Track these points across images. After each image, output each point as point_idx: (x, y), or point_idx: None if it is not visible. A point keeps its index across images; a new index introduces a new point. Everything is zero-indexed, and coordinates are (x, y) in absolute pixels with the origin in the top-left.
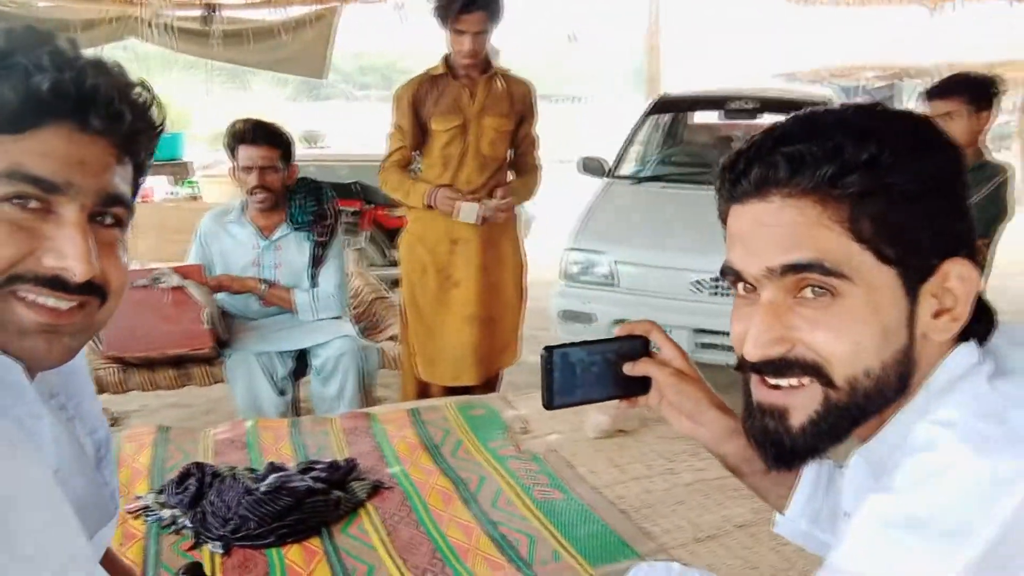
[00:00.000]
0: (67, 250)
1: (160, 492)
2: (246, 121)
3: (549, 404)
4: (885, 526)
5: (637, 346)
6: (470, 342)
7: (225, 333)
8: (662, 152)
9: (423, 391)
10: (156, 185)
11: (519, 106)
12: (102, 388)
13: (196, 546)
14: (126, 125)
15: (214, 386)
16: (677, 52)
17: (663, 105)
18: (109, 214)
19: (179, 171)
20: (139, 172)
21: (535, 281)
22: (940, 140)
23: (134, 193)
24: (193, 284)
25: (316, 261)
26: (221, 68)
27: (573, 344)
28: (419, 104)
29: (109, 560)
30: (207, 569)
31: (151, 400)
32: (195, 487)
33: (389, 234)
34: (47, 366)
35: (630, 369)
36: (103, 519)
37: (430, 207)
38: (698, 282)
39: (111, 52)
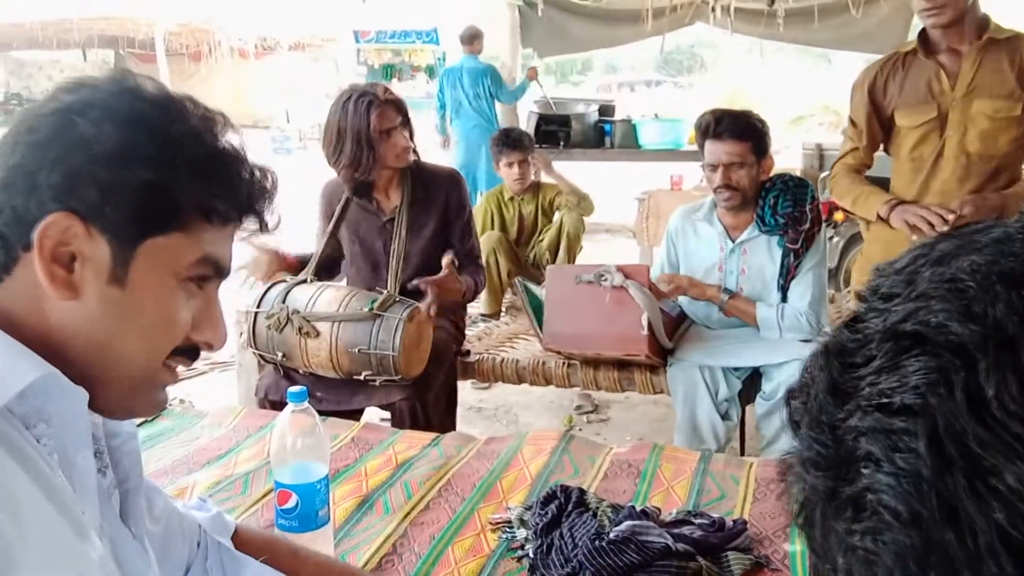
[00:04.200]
0: (219, 325)
1: (528, 508)
2: (712, 112)
3: None
4: None
5: None
6: None
7: (669, 342)
8: None
9: None
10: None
11: None
12: (548, 379)
13: None
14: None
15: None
16: None
17: None
18: None
19: None
20: None
21: None
22: None
23: None
24: (635, 285)
25: (787, 271)
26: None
27: None
28: (878, 92)
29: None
30: None
31: None
32: (554, 513)
33: None
34: (144, 415)
35: None
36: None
37: (884, 220)
38: None
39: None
